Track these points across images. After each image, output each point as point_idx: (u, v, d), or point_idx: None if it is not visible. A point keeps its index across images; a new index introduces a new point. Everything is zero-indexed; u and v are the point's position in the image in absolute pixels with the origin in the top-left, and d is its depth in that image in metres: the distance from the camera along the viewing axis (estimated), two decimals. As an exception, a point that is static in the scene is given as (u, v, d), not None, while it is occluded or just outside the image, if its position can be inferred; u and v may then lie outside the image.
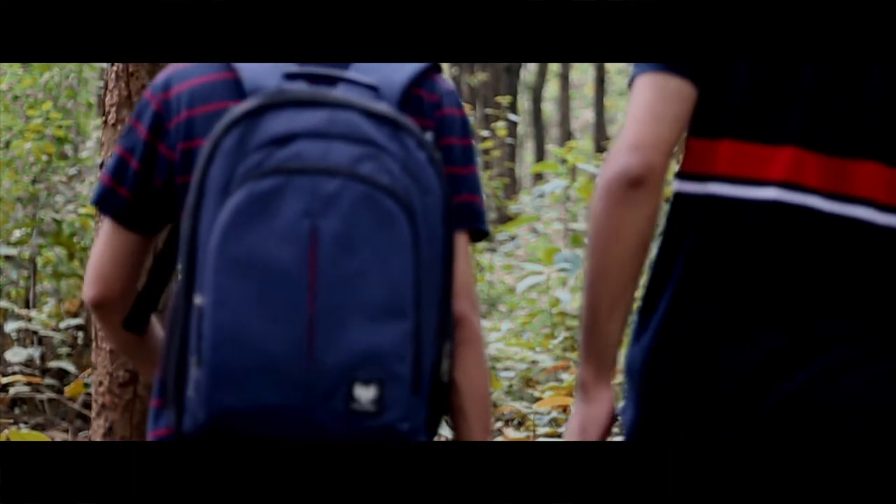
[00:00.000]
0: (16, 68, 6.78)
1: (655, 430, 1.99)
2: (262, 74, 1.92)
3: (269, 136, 1.81)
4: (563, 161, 10.85)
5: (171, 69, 2.07)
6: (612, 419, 2.04)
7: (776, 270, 1.85)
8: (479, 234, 2.02)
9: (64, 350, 6.51)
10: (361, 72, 1.95)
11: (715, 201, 1.88)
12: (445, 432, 5.04)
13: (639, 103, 1.91)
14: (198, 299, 1.80)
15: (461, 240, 1.98)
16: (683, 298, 1.92)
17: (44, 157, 6.57)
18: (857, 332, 1.88)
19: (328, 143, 1.80)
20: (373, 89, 1.91)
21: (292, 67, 1.93)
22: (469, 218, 2.00)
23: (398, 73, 1.97)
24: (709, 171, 1.89)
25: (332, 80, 1.91)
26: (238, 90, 1.92)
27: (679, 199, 1.93)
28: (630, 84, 1.97)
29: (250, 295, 1.76)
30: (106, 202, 2.04)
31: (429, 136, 1.89)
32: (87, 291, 2.06)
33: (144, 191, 2.02)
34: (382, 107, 1.87)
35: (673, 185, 1.94)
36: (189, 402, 1.86)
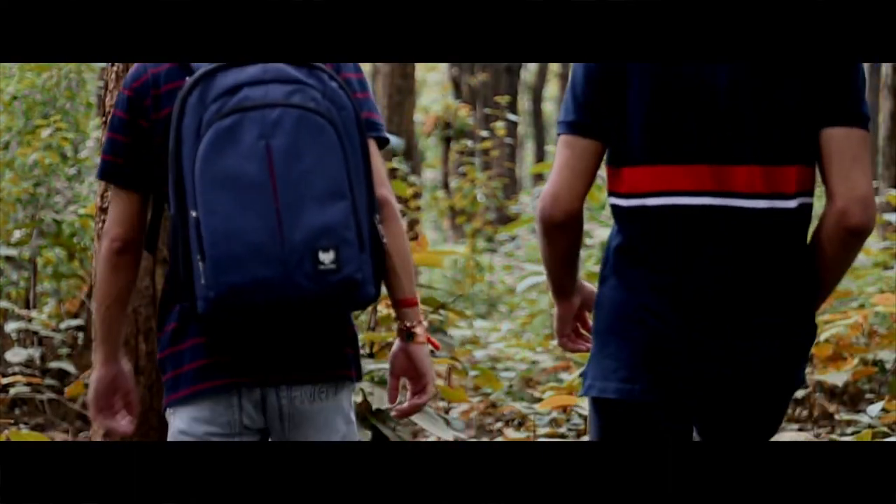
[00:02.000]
0: (25, 70, 6.76)
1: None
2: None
3: (222, 88, 2.46)
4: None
5: (133, 68, 2.69)
6: (574, 310, 2.76)
7: (688, 252, 2.50)
8: (381, 140, 2.66)
9: (64, 350, 6.50)
10: None
11: (647, 209, 2.51)
12: (446, 434, 5.03)
13: (558, 159, 2.54)
14: (192, 213, 2.43)
15: (372, 145, 2.61)
16: (619, 270, 2.56)
17: (46, 161, 6.57)
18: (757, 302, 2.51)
19: (266, 86, 2.46)
20: None
21: None
22: (372, 128, 2.63)
23: None
24: (639, 190, 2.51)
25: None
26: (187, 69, 2.55)
27: (618, 210, 2.55)
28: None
29: (231, 202, 2.41)
30: (108, 173, 2.69)
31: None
32: (109, 245, 2.70)
33: (134, 156, 2.64)
34: None
35: (609, 201, 2.56)
36: (199, 289, 2.45)
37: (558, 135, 2.56)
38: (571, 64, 2.58)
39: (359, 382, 2.72)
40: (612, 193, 2.55)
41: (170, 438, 2.70)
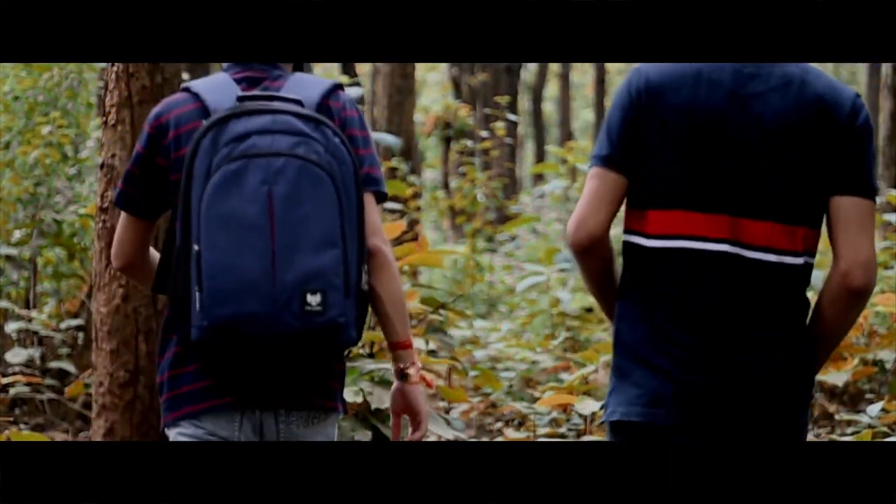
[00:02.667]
0: (18, 69, 6.76)
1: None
2: (220, 99, 2.75)
3: (233, 135, 2.65)
4: (564, 161, 10.84)
5: (159, 105, 2.85)
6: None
7: (703, 292, 2.67)
8: (380, 195, 2.81)
9: (64, 350, 6.50)
10: (289, 91, 2.76)
11: (668, 250, 2.68)
12: (447, 433, 5.03)
13: (587, 188, 2.72)
14: (195, 247, 2.63)
15: (369, 198, 2.78)
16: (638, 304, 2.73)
17: (46, 161, 6.57)
18: (764, 330, 2.66)
19: (273, 136, 2.65)
20: (298, 102, 2.72)
21: (240, 92, 2.76)
22: (371, 183, 2.79)
23: (314, 90, 2.78)
24: (663, 232, 2.68)
25: (270, 98, 2.72)
26: (205, 112, 2.74)
27: (638, 249, 2.72)
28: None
29: (231, 240, 2.60)
30: (121, 201, 2.88)
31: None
32: (115, 263, 2.93)
33: (149, 190, 2.84)
34: (307, 111, 2.71)
35: (628, 239, 2.73)
36: (194, 317, 2.64)
37: (590, 167, 2.74)
38: (609, 104, 2.76)
39: (343, 417, 2.87)
40: (632, 232, 2.72)
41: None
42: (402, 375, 2.81)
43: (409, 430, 2.85)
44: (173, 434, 2.78)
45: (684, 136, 2.64)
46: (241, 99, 2.71)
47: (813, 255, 2.70)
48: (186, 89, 2.81)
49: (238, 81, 2.78)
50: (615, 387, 2.71)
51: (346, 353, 2.81)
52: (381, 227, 2.81)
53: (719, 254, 2.65)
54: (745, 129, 2.63)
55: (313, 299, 2.59)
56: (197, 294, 2.61)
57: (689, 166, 2.65)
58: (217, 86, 2.78)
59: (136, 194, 2.84)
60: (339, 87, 2.82)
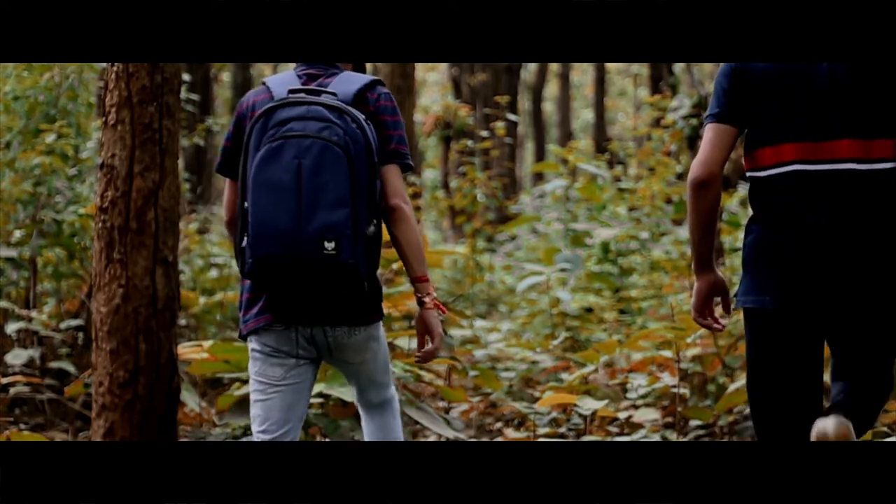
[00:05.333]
0: (21, 69, 6.76)
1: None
2: (280, 91, 3.64)
3: (277, 120, 3.55)
4: (564, 161, 10.85)
5: (246, 94, 3.76)
6: (710, 288, 3.59)
7: (807, 200, 3.42)
8: (404, 166, 3.70)
9: (64, 350, 6.50)
10: (335, 87, 3.62)
11: (767, 177, 3.47)
12: (447, 433, 5.01)
13: (705, 138, 3.49)
14: (245, 204, 3.54)
15: (395, 169, 3.67)
16: (760, 220, 3.50)
17: (48, 163, 6.57)
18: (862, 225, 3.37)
19: (305, 122, 3.53)
20: (333, 94, 3.60)
21: (296, 82, 3.68)
22: (398, 157, 3.67)
23: (353, 85, 3.64)
24: (767, 164, 3.47)
25: (310, 92, 3.60)
26: (272, 99, 3.63)
27: (756, 180, 3.52)
28: (703, 125, 3.57)
29: (270, 200, 3.48)
30: (223, 170, 3.79)
31: (362, 116, 3.60)
32: (224, 218, 3.85)
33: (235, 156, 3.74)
34: (335, 102, 3.57)
35: (748, 175, 3.51)
36: (245, 255, 3.54)
37: (706, 124, 3.50)
38: (719, 68, 3.33)
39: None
40: (751, 170, 3.46)
41: (250, 356, 3.69)
42: (420, 303, 3.70)
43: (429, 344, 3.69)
44: (250, 348, 3.68)
45: (775, 84, 3.37)
46: (290, 91, 3.58)
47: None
48: (264, 83, 3.73)
49: (300, 76, 3.67)
50: (742, 279, 3.47)
51: (376, 278, 3.69)
52: (404, 189, 3.67)
53: (820, 171, 3.36)
54: (821, 81, 3.35)
55: (329, 245, 3.44)
56: (245, 239, 3.52)
57: (784, 111, 3.40)
58: (282, 80, 3.66)
59: (233, 162, 3.70)
60: (377, 82, 3.67)
